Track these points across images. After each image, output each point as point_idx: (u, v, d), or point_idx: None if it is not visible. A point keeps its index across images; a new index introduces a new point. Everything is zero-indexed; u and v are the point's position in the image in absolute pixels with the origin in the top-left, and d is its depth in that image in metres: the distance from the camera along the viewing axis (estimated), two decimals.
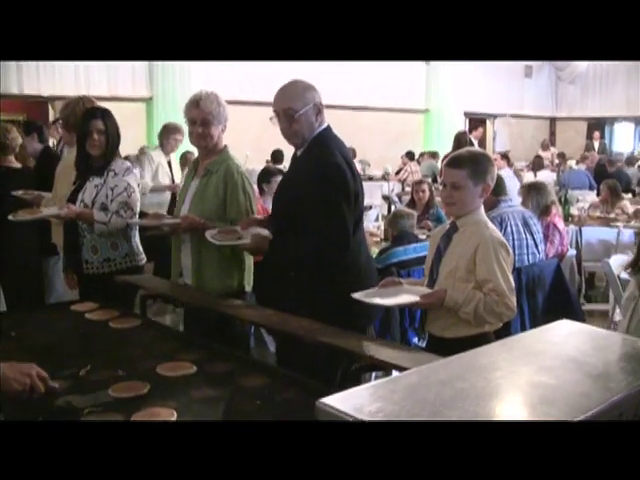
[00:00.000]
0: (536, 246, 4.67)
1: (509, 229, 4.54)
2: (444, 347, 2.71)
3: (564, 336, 1.51)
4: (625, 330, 2.45)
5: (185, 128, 3.77)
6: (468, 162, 2.86)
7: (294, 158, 3.24)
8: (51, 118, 11.82)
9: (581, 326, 1.59)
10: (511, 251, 2.89)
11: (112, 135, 3.86)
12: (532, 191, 5.43)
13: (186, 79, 11.66)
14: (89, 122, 3.81)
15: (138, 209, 3.92)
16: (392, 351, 2.50)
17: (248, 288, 3.58)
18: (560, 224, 5.41)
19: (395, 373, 2.79)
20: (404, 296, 2.90)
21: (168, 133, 7.01)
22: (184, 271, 3.62)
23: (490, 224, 2.94)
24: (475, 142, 10.44)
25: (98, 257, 3.84)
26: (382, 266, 4.63)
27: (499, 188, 4.62)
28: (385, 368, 2.64)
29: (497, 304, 2.72)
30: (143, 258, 4.05)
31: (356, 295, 2.84)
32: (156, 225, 3.73)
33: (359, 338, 2.75)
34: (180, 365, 2.46)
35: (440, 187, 3.31)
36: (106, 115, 3.87)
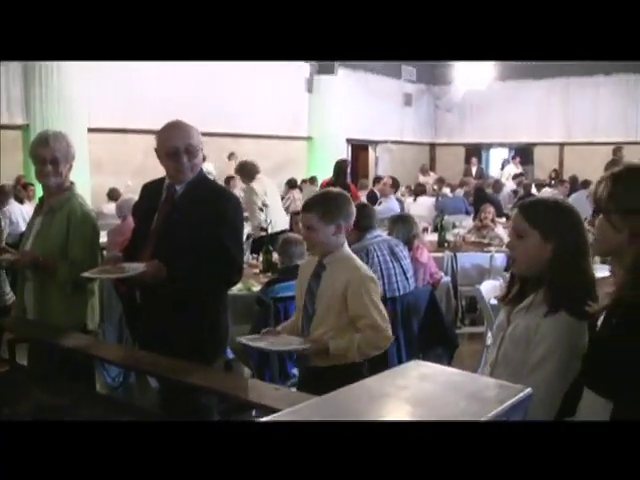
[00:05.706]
0: (404, 274, 4.71)
1: (375, 260, 4.56)
2: (319, 376, 2.84)
3: (413, 378, 1.55)
4: (494, 358, 2.53)
5: None
6: (318, 205, 2.98)
7: (170, 194, 3.20)
8: None
9: (430, 367, 1.64)
10: (378, 282, 2.98)
11: None
12: (398, 223, 5.49)
13: (67, 106, 11.17)
14: None
15: None
16: (261, 391, 2.50)
17: (92, 327, 3.55)
18: (423, 257, 5.45)
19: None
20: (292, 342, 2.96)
21: None
22: (27, 309, 3.54)
23: (357, 259, 3.03)
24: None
25: None
26: (265, 299, 4.58)
27: (367, 221, 4.69)
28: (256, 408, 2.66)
29: (377, 339, 2.87)
30: (10, 298, 3.91)
31: (242, 339, 2.93)
32: None
33: (233, 378, 2.75)
34: None
35: None
36: None
